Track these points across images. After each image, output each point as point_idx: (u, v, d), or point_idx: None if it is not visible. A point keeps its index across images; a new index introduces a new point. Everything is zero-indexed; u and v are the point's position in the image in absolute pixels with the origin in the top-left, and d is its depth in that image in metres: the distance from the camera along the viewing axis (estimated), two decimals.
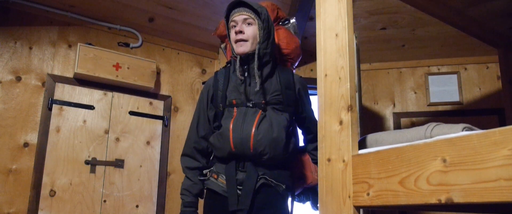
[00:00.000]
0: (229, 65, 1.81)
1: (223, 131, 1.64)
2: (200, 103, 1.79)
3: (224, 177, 1.64)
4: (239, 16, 1.66)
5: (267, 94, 1.67)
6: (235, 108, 1.66)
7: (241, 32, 1.64)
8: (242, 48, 1.64)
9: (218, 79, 1.75)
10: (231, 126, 1.61)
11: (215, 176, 1.68)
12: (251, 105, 1.64)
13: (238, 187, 1.61)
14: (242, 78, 1.66)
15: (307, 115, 1.82)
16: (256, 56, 1.63)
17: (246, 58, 1.67)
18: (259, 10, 1.66)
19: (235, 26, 1.67)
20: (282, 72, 1.74)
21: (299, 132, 1.89)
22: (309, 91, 1.90)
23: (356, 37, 2.34)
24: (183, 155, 1.80)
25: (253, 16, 1.66)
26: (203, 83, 1.96)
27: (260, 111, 1.64)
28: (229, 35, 1.72)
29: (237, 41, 1.65)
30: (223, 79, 1.73)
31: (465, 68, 3.53)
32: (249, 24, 1.66)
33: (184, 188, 1.74)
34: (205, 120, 1.77)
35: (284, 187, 1.65)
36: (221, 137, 1.64)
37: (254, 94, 1.66)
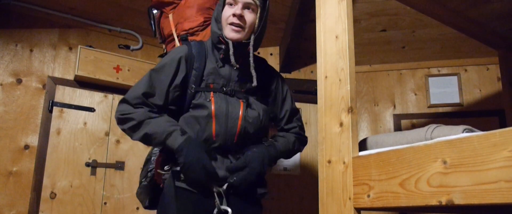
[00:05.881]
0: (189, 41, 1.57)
1: (201, 114, 1.42)
2: (161, 74, 1.44)
3: None
4: None
5: (247, 84, 1.51)
6: (212, 92, 1.45)
7: (241, 17, 1.44)
8: (237, 35, 1.45)
9: (193, 54, 1.48)
10: (213, 110, 1.41)
11: None
12: (229, 93, 1.47)
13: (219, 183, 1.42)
14: (237, 66, 1.46)
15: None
16: (251, 48, 1.48)
17: (238, 46, 1.48)
18: None
19: (232, 5, 1.46)
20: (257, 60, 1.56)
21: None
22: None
23: None
24: (123, 112, 1.40)
25: (258, 4, 1.47)
26: (161, 56, 1.65)
27: (241, 100, 1.48)
28: (219, 11, 1.49)
29: (232, 24, 1.44)
30: (199, 57, 1.48)
31: (465, 70, 3.53)
32: (252, 10, 1.47)
33: (162, 126, 1.37)
34: (162, 94, 1.44)
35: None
36: (197, 122, 1.41)
37: (232, 82, 1.50)
